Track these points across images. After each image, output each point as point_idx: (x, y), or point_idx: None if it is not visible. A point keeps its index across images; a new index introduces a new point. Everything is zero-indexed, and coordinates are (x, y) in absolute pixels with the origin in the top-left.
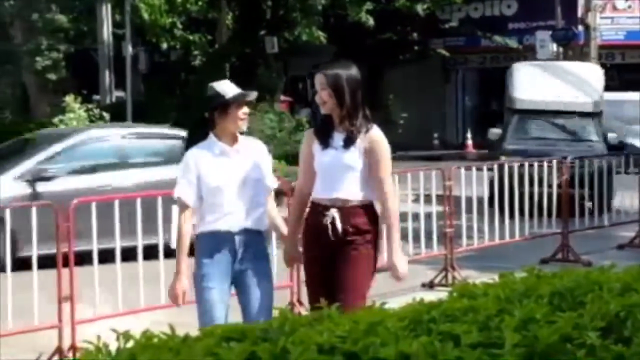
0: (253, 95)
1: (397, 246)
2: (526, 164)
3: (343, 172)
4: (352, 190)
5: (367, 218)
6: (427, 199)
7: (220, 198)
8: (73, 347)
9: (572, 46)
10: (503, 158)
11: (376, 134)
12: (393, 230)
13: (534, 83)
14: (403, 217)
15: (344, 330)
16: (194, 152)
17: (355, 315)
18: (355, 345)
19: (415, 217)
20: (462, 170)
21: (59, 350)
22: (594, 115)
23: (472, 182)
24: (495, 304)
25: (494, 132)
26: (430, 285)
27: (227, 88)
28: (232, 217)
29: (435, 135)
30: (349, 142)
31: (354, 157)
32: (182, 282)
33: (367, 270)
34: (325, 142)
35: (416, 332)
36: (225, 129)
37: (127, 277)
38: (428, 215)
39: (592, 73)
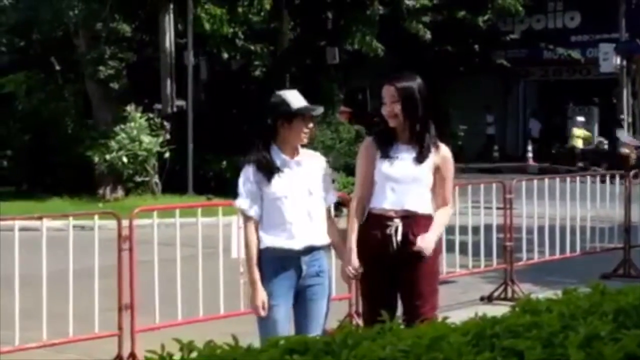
0: (319, 110)
1: (435, 234)
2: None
3: (414, 185)
4: (420, 204)
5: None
6: (487, 211)
7: (281, 210)
8: (132, 356)
9: (636, 59)
10: None
11: (446, 151)
12: (437, 225)
13: None
14: (463, 230)
15: (407, 345)
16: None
17: (418, 330)
18: None
19: (475, 230)
20: (523, 183)
21: (118, 358)
22: None
23: (533, 196)
24: (559, 320)
25: None
26: (489, 299)
27: (293, 98)
28: (297, 233)
29: (496, 147)
30: (421, 156)
31: (426, 171)
32: (260, 292)
33: (433, 280)
34: (390, 153)
35: (479, 347)
36: (287, 141)
37: (187, 286)
38: (488, 229)
39: None
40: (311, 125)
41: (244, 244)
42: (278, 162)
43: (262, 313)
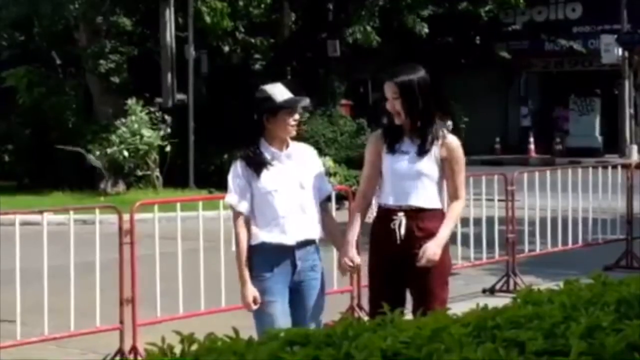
0: (304, 101)
1: (441, 239)
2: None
3: (418, 180)
4: (426, 199)
5: (437, 222)
6: (489, 204)
7: (273, 205)
8: (134, 349)
9: (638, 50)
10: None
11: (453, 141)
12: (445, 226)
13: None
14: (465, 222)
15: (408, 336)
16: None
17: (419, 321)
18: (419, 352)
19: (477, 222)
20: (525, 175)
21: (120, 352)
22: None
23: (535, 187)
24: (561, 311)
25: None
26: (491, 291)
27: (277, 92)
28: (290, 228)
29: (497, 139)
30: (424, 149)
31: (430, 165)
32: (250, 289)
33: (443, 274)
34: (395, 147)
35: (480, 338)
36: (274, 134)
37: (188, 280)
38: (490, 221)
39: None
40: (297, 117)
41: (235, 241)
42: (267, 156)
43: (254, 307)
